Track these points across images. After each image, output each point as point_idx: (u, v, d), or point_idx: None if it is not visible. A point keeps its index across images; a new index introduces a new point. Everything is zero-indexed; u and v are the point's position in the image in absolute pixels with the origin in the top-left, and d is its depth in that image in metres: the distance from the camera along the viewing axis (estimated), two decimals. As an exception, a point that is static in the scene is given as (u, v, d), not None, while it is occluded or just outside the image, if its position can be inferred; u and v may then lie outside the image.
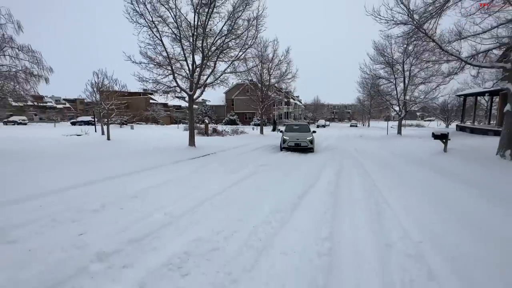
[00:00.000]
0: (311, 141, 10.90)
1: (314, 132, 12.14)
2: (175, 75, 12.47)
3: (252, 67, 17.35)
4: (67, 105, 67.71)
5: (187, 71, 12.92)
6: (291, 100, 59.31)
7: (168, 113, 51.65)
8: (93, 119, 30.31)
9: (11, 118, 38.06)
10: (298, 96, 76.29)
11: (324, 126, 50.32)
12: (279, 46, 27.26)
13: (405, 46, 19.39)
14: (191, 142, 13.37)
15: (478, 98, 22.49)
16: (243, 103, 36.25)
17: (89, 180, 6.13)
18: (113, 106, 19.67)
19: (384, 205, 4.72)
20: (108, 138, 17.57)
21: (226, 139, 18.37)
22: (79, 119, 40.20)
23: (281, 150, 11.59)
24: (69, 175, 6.52)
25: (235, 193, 5.48)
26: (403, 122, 25.21)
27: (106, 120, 18.93)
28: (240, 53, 13.20)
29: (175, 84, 12.68)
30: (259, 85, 24.50)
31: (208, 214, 4.30)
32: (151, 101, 48.61)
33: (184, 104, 52.44)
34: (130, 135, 20.64)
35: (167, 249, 3.09)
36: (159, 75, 12.52)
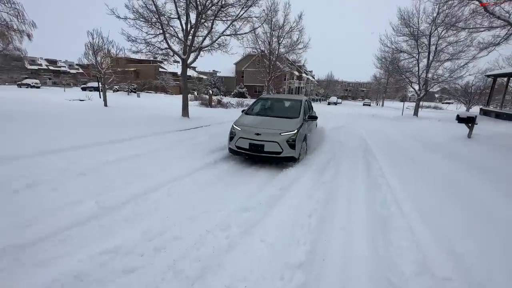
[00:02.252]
0: (293, 141, 4.88)
1: (313, 118, 5.41)
2: (166, 35, 10.97)
3: (255, 28, 15.34)
4: (80, 70, 66.84)
5: (180, 32, 11.37)
6: (304, 75, 56.28)
7: (177, 82, 50.04)
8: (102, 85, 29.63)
9: (25, 81, 38.40)
10: (312, 71, 72.53)
11: (335, 103, 47.88)
12: (290, 11, 24.38)
13: (435, 15, 16.84)
14: (185, 113, 12.25)
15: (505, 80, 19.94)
16: (253, 75, 34.16)
17: (49, 149, 5.17)
18: (110, 70, 18.45)
19: (394, 208, 3.49)
20: (105, 105, 16.69)
21: (228, 112, 17.22)
22: (89, 84, 39.64)
23: (230, 151, 5.63)
24: (34, 140, 5.61)
25: (204, 179, 4.41)
26: (420, 103, 23.06)
27: (103, 85, 17.89)
28: (242, 11, 11.43)
29: (166, 45, 11.23)
30: (267, 54, 22.45)
31: (156, 206, 3.28)
32: (160, 69, 46.91)
33: (194, 74, 50.57)
34: (132, 103, 19.73)
35: (59, 264, 2.10)
36: (149, 34, 11.07)
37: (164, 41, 11.06)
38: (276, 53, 22.41)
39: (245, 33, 12.94)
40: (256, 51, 22.75)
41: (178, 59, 12.09)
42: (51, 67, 64.02)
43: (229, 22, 11.73)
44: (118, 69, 20.10)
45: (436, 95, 70.15)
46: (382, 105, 50.33)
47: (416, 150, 7.60)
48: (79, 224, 2.72)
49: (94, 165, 4.65)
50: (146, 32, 11.07)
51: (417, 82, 20.66)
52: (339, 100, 52.22)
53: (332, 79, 74.70)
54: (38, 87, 38.74)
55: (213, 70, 60.39)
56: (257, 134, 4.93)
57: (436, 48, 18.55)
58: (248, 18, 12.18)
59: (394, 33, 20.09)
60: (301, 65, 34.32)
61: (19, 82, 37.93)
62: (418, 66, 20.21)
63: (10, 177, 3.74)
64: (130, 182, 4.01)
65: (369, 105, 50.29)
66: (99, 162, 4.80)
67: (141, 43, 11.19)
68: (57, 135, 6.48)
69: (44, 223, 2.65)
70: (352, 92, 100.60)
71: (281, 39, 21.76)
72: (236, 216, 3.02)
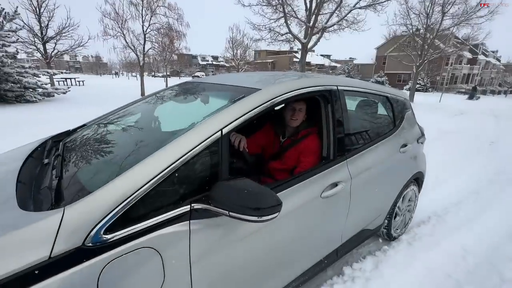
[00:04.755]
0: None
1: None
2: (287, 16, 9.99)
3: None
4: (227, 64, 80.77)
5: (301, 12, 10.05)
6: (481, 57, 40.56)
7: (309, 71, 49.71)
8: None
9: (196, 73, 51.72)
10: (497, 51, 51.34)
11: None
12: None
13: None
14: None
15: None
16: (397, 61, 27.46)
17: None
18: (243, 61, 20.00)
19: None
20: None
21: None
22: (229, 76, 48.28)
23: None
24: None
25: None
26: None
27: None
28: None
29: (286, 30, 10.30)
30: (422, 29, 16.95)
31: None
32: (294, 59, 48.11)
33: (327, 62, 48.35)
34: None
35: None
36: (270, 19, 10.49)
37: (285, 24, 10.14)
38: (437, 27, 16.49)
39: (385, 0, 9.83)
40: (406, 28, 17.67)
41: (298, 45, 10.91)
42: (214, 62, 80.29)
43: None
44: (250, 59, 21.46)
45: None
46: None
47: None
48: None
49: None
50: (269, 18, 10.56)
51: None
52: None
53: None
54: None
55: (350, 58, 55.17)
56: None
57: None
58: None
59: None
60: (478, 43, 24.13)
61: (193, 75, 50.70)
62: None
63: None
64: None
65: None
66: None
67: (263, 30, 10.84)
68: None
69: None
70: None
71: (449, 6, 15.66)
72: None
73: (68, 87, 12.33)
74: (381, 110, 2.15)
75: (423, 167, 2.43)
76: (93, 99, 11.83)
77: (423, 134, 2.43)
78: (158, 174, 0.90)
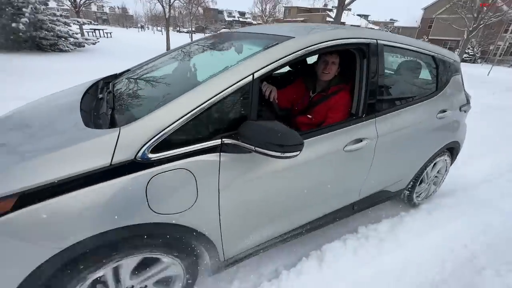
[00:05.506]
0: None
1: None
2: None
3: None
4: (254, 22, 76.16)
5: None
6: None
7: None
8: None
9: (221, 30, 50.32)
10: None
11: None
12: None
13: None
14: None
15: None
16: (446, 25, 23.77)
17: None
18: (271, 18, 18.81)
19: None
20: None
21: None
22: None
23: None
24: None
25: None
26: None
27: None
28: None
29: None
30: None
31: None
32: (327, 18, 44.20)
33: (364, 23, 43.82)
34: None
35: None
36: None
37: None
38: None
39: None
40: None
41: (334, 0, 9.91)
42: (241, 19, 76.23)
43: None
44: (280, 16, 20.11)
45: None
46: None
47: None
48: None
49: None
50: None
51: None
52: None
53: None
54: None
55: (390, 20, 49.46)
56: None
57: None
58: None
59: None
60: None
61: (218, 31, 49.19)
62: None
63: None
64: None
65: None
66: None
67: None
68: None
69: None
70: None
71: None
72: None
73: (97, 38, 12.49)
74: (424, 71, 1.98)
75: (461, 137, 2.26)
76: (122, 51, 11.98)
77: (468, 102, 2.22)
78: (194, 109, 1.00)
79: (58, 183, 0.84)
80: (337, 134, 1.40)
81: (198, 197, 1.05)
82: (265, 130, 1.01)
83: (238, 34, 1.82)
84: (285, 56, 1.18)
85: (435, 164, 2.18)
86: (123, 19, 67.10)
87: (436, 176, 2.35)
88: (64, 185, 0.85)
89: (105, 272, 0.99)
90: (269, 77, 2.24)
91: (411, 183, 2.11)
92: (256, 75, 1.11)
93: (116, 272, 1.04)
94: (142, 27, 56.18)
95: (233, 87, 1.06)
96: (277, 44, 1.22)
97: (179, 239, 1.11)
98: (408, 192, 2.18)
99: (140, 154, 0.94)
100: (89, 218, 0.87)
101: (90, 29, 17.99)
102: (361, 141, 1.47)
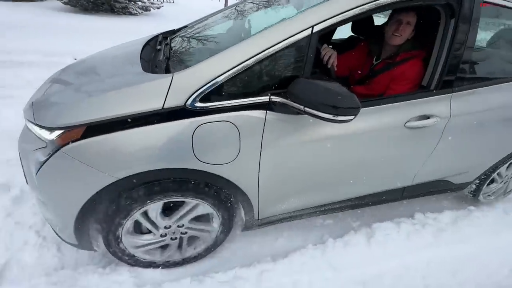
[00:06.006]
0: None
1: None
2: None
3: None
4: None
5: None
6: None
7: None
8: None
9: None
10: None
11: None
12: None
13: None
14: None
15: None
16: None
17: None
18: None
19: None
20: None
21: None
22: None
23: None
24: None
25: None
26: None
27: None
28: None
29: None
30: None
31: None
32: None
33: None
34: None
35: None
36: None
37: None
38: None
39: None
40: None
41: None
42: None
43: None
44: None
45: None
46: None
47: None
48: None
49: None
50: None
51: None
52: None
53: None
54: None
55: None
56: None
57: None
58: None
59: None
60: None
61: None
62: None
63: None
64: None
65: None
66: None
67: None
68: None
69: None
70: None
71: None
72: None
73: (162, 3, 12.98)
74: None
75: None
76: (185, 17, 12.36)
77: None
78: (244, 61, 0.96)
79: (117, 119, 0.92)
80: (400, 106, 1.22)
81: (240, 152, 1.04)
82: (318, 89, 0.92)
83: None
84: (352, 9, 1.01)
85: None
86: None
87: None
88: (122, 123, 0.92)
89: (150, 208, 1.08)
90: (330, 43, 2.04)
91: (479, 179, 1.80)
92: (316, 28, 0.99)
93: (157, 211, 1.11)
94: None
95: (288, 40, 0.97)
96: None
97: (219, 189, 1.14)
98: (475, 187, 1.87)
99: (189, 101, 0.95)
100: (141, 155, 0.95)
101: (156, -7, 18.69)
102: (428, 118, 1.27)
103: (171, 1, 20.93)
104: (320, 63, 1.48)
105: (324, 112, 0.91)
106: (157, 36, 1.79)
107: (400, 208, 1.90)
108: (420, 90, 1.32)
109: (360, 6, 1.03)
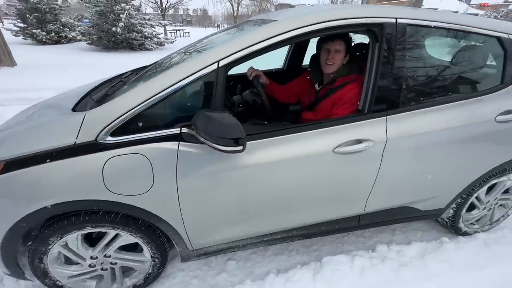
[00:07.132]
0: None
1: None
2: None
3: None
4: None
5: None
6: None
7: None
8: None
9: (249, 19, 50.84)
10: None
11: None
12: None
13: None
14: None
15: None
16: None
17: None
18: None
19: None
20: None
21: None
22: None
23: None
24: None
25: None
26: None
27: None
28: None
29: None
30: None
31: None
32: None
33: (462, 8, 36.22)
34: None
35: None
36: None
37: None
38: None
39: None
40: None
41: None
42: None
43: None
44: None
45: None
46: None
47: None
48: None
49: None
50: None
51: None
52: None
53: None
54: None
55: (505, 1, 39.15)
56: None
57: None
58: None
59: None
60: None
61: None
62: None
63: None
64: None
65: None
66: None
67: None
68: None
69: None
70: None
71: None
72: None
73: (175, 38, 14.06)
74: (483, 58, 1.50)
75: None
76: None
77: None
78: (151, 97, 1.03)
79: (33, 155, 0.99)
80: (324, 132, 1.20)
81: (155, 183, 1.07)
82: (209, 120, 0.95)
83: (250, 21, 1.66)
84: (259, 42, 1.07)
85: (496, 185, 1.65)
86: (203, 19, 73.69)
87: (506, 198, 1.78)
88: (38, 158, 0.99)
89: (68, 239, 1.11)
90: (272, 73, 2.09)
91: (456, 204, 1.65)
92: (222, 63, 1.04)
93: (77, 242, 1.14)
94: (218, 26, 60.43)
95: (195, 75, 1.03)
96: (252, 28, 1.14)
97: (139, 219, 1.16)
98: (452, 212, 1.71)
99: (100, 136, 1.02)
100: (53, 188, 1.00)
101: (172, 30, 20.39)
102: (360, 142, 1.23)
103: (186, 35, 22.61)
104: (253, 89, 1.53)
105: (215, 143, 0.93)
106: (123, 73, 1.88)
107: (367, 240, 1.79)
108: (354, 114, 1.29)
109: (268, 39, 1.08)
